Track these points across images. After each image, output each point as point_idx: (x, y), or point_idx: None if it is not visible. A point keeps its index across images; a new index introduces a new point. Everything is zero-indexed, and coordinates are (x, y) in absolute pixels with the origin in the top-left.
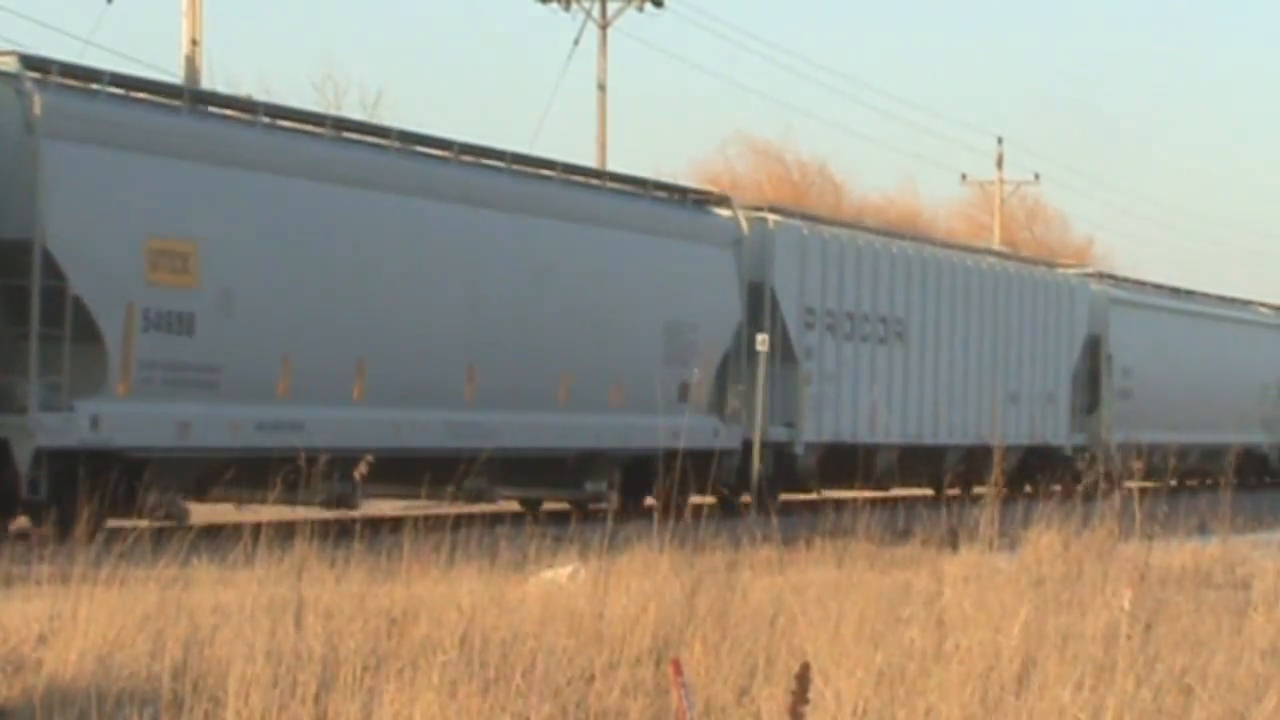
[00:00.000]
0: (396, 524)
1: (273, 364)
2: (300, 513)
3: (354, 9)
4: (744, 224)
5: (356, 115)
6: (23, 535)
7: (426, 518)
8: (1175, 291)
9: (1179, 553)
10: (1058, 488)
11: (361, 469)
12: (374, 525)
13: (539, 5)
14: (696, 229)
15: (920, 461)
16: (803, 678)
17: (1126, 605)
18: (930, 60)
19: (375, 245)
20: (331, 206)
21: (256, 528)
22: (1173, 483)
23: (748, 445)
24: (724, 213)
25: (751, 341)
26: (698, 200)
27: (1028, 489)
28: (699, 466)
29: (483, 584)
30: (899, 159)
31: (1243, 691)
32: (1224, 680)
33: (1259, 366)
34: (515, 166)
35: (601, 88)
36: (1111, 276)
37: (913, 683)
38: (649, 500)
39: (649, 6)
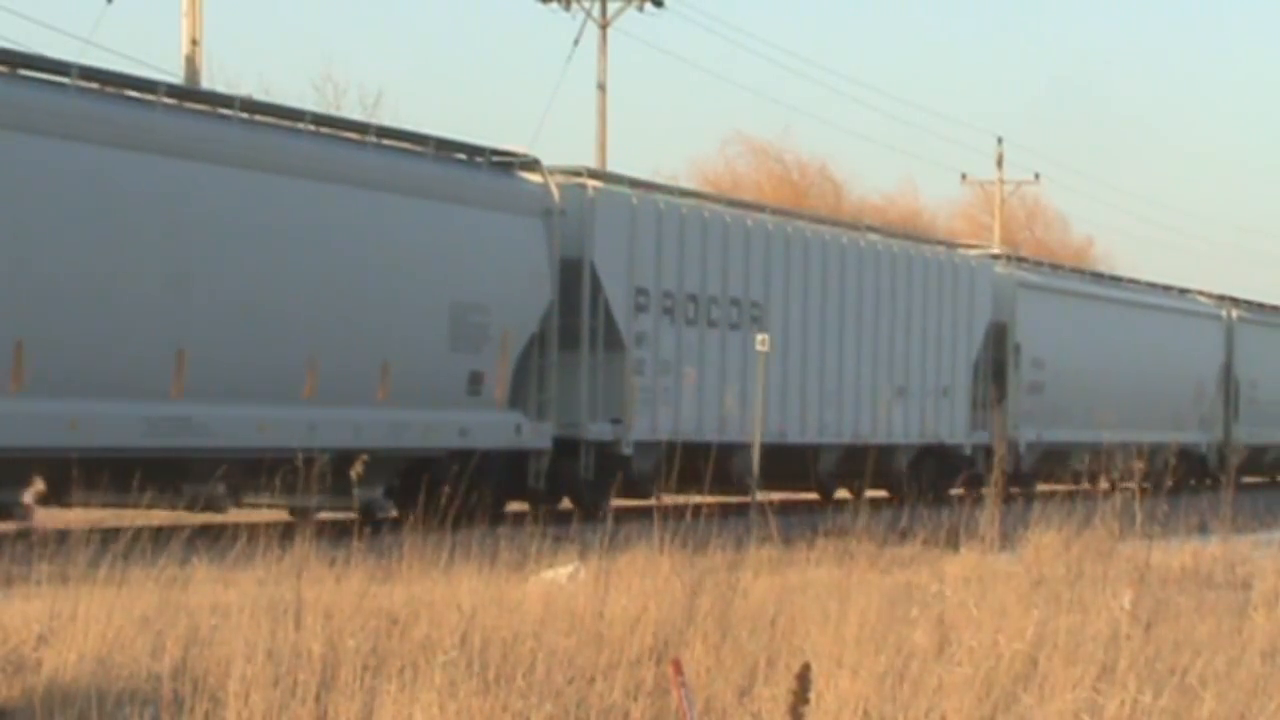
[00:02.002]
0: (396, 524)
1: None
2: None
3: (354, 9)
4: (555, 191)
5: (356, 115)
6: (23, 535)
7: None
8: (1098, 276)
9: (1179, 553)
10: (959, 491)
11: (32, 491)
12: (374, 525)
13: (539, 5)
14: (496, 195)
15: (788, 463)
16: (803, 678)
17: (1127, 605)
18: (930, 60)
19: (42, 202)
20: None
21: (256, 527)
22: (1098, 486)
23: (567, 444)
24: (532, 178)
25: (567, 326)
26: (500, 162)
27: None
28: (516, 469)
29: (483, 584)
30: (899, 159)
31: (1243, 691)
32: (1224, 680)
33: (1196, 360)
34: (246, 114)
35: (601, 88)
36: (1020, 258)
37: (914, 683)
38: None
39: (649, 6)
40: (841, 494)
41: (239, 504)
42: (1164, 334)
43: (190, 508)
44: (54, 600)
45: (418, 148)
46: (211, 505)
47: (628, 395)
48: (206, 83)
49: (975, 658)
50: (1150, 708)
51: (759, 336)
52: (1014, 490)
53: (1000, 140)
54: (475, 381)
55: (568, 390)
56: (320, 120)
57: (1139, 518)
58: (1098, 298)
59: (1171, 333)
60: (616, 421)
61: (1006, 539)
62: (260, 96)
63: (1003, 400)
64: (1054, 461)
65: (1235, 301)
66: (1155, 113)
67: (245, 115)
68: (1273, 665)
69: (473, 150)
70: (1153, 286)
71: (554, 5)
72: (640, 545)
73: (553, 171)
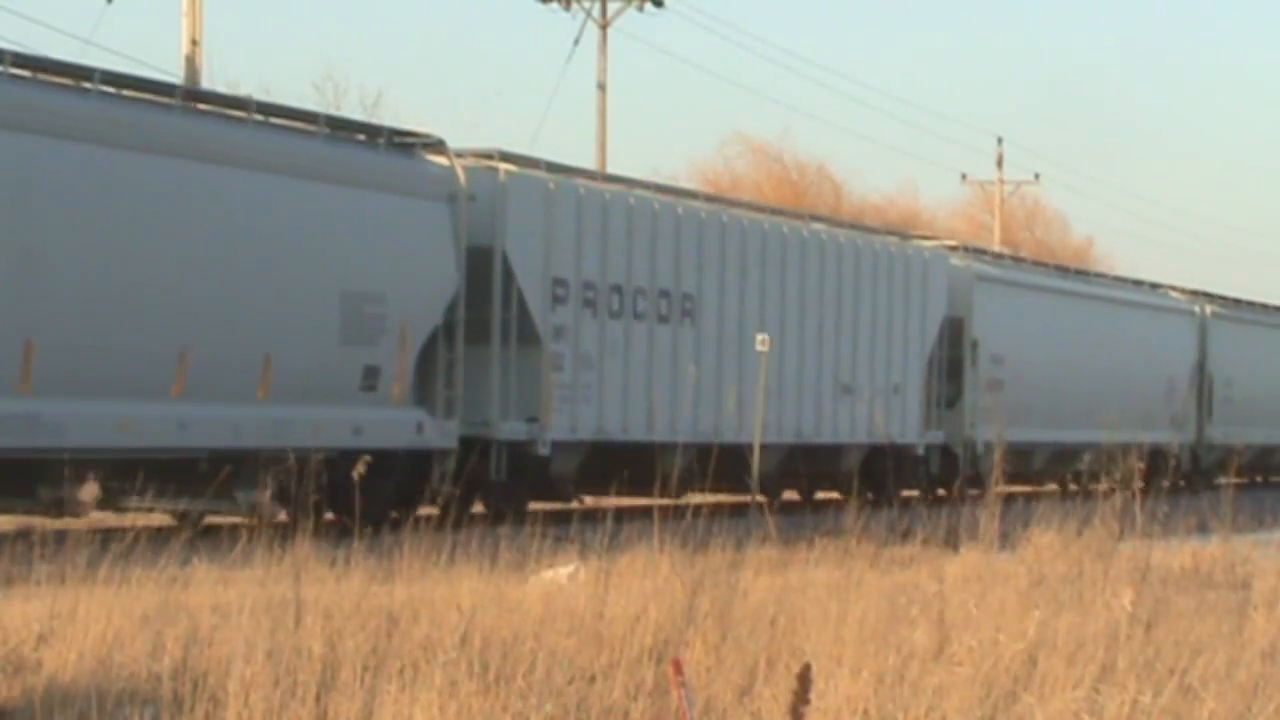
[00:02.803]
0: (396, 524)
1: None
2: None
3: (354, 9)
4: (461, 174)
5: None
6: (23, 534)
7: (427, 518)
8: (1062, 270)
9: (1179, 553)
10: (916, 493)
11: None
12: (374, 525)
13: (539, 5)
14: (394, 178)
15: (725, 463)
16: (803, 678)
17: (1127, 605)
18: (930, 60)
19: None
20: None
21: (256, 528)
22: (1070, 488)
23: (477, 443)
24: (437, 160)
25: (477, 319)
26: (401, 143)
27: (870, 496)
28: (423, 469)
29: (483, 584)
30: (899, 159)
31: (1243, 691)
32: (1224, 680)
33: (1168, 357)
34: (107, 88)
35: (601, 88)
36: (979, 250)
37: (914, 683)
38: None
39: (649, 6)
40: (790, 496)
41: (115, 508)
42: (1133, 330)
43: (48, 513)
44: (54, 600)
45: (306, 126)
46: (69, 510)
47: (544, 392)
48: (207, 83)
49: (975, 658)
50: (1150, 708)
51: (759, 337)
52: (973, 492)
53: (1000, 140)
54: (370, 376)
55: (477, 387)
56: (193, 96)
57: (1139, 518)
58: (1061, 292)
59: (1141, 329)
60: (532, 420)
61: (1006, 539)
62: (261, 96)
63: (959, 398)
64: (1015, 462)
65: (1209, 297)
66: (1155, 113)
67: (110, 90)
68: (1273, 665)
69: (370, 130)
70: (1122, 281)
71: (554, 5)
72: (640, 545)
73: (462, 154)
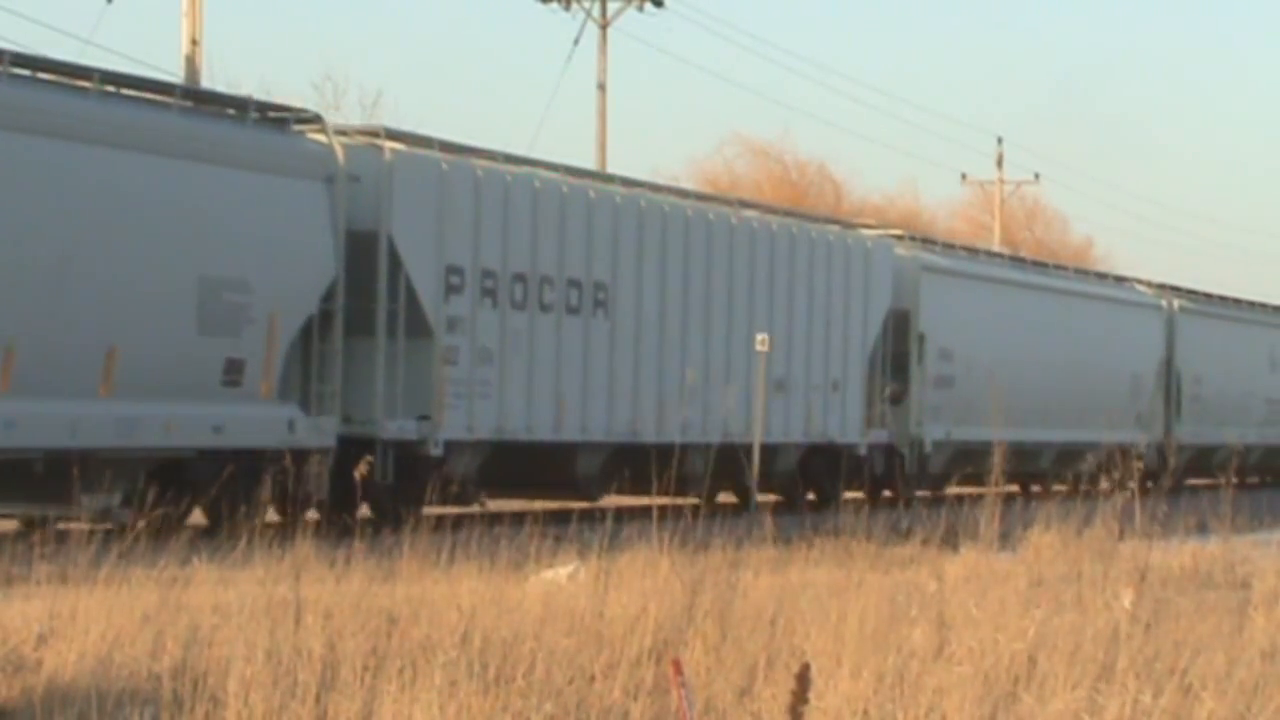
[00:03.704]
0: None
1: None
2: None
3: (354, 9)
4: (340, 152)
5: (356, 115)
6: (23, 534)
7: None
8: (1018, 261)
9: (1179, 553)
10: (859, 494)
11: None
12: (374, 525)
13: (539, 5)
14: (263, 155)
15: (644, 464)
16: (803, 678)
17: (1127, 605)
18: (930, 60)
19: None
20: None
21: (256, 528)
22: (1034, 489)
23: (359, 443)
24: (313, 136)
25: (361, 309)
26: (272, 118)
27: (811, 497)
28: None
29: (483, 584)
30: (899, 159)
31: (1243, 691)
32: (1224, 680)
33: (1132, 353)
34: None
35: (601, 88)
36: (926, 240)
37: (914, 683)
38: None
39: (649, 6)
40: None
41: None
42: (1096, 324)
43: None
44: (54, 600)
45: (160, 97)
46: None
47: (436, 388)
48: (207, 83)
49: (975, 658)
50: (1150, 708)
51: (759, 336)
52: (921, 494)
53: (1000, 140)
54: (233, 370)
55: (361, 382)
56: (23, 62)
57: (1139, 518)
58: (1017, 284)
59: (1104, 323)
60: (424, 418)
61: (1006, 539)
62: (261, 96)
63: (905, 395)
64: (967, 462)
65: (1177, 290)
66: (1155, 113)
67: None
68: (1273, 665)
69: (236, 103)
70: (1085, 273)
71: (554, 5)
72: (640, 545)
73: (345, 131)
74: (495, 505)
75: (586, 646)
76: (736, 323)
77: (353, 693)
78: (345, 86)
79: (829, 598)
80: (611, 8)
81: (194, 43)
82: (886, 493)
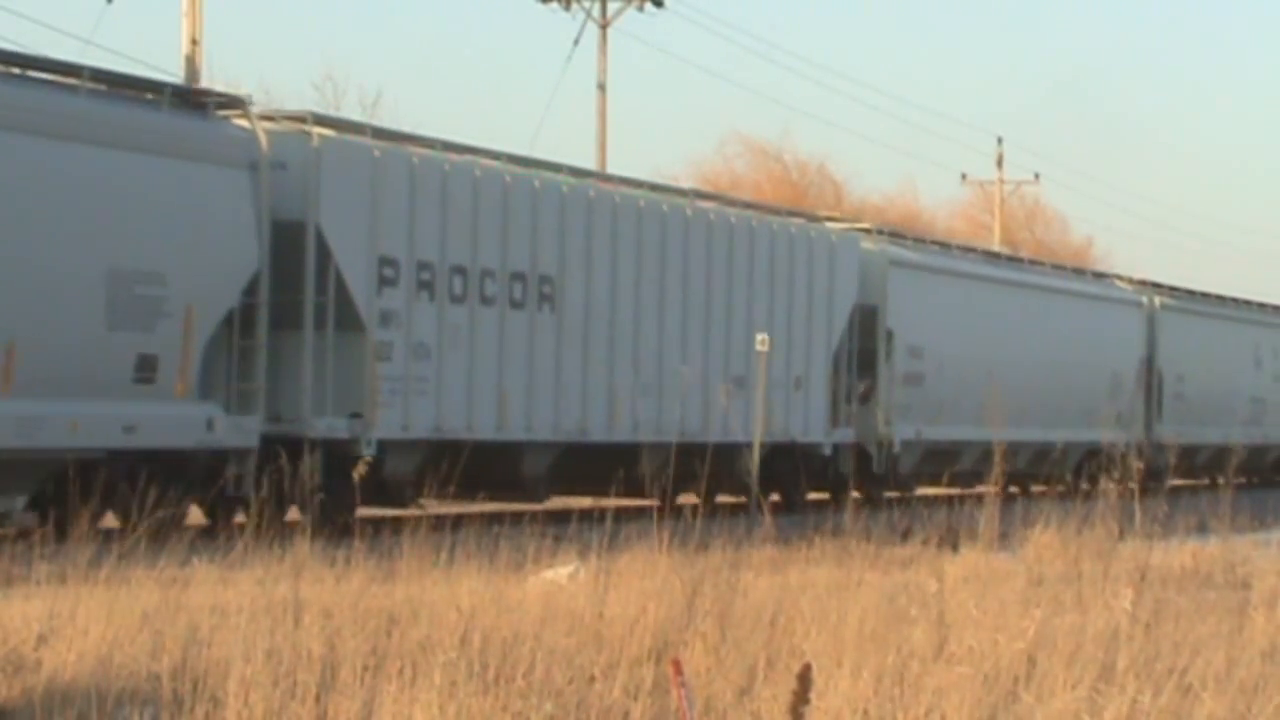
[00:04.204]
0: (396, 524)
1: None
2: None
3: (354, 9)
4: (263, 138)
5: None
6: (23, 534)
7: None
8: (992, 256)
9: (1179, 553)
10: (826, 495)
11: None
12: (374, 525)
13: (539, 5)
14: (178, 140)
15: (595, 464)
16: (803, 678)
17: (1127, 605)
18: (930, 60)
19: None
20: None
21: (256, 528)
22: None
23: (285, 442)
24: (235, 122)
25: (288, 302)
26: (190, 102)
27: (775, 497)
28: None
29: (483, 584)
30: (899, 159)
31: (1243, 691)
32: (1224, 680)
33: (1112, 351)
34: None
35: (601, 88)
36: (895, 234)
37: (914, 683)
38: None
39: (649, 6)
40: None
41: None
42: (1073, 321)
43: None
44: (54, 600)
45: (66, 79)
46: None
47: (369, 385)
48: (207, 83)
49: (975, 658)
50: (1150, 708)
51: (759, 336)
52: (890, 494)
53: (1000, 140)
54: (145, 367)
55: (287, 379)
56: None
57: (1139, 517)
58: (990, 279)
59: (1083, 320)
60: (355, 416)
61: (1005, 539)
62: (260, 97)
63: (873, 393)
64: (939, 462)
65: (1159, 287)
66: (1155, 113)
67: None
68: (1273, 665)
69: (150, 86)
70: (1062, 269)
71: (554, 5)
72: (640, 545)
73: (271, 117)
74: (436, 508)
75: (586, 646)
76: (692, 318)
77: (353, 693)
78: (345, 86)
79: (829, 598)
80: (611, 8)
81: (194, 43)
82: (855, 494)
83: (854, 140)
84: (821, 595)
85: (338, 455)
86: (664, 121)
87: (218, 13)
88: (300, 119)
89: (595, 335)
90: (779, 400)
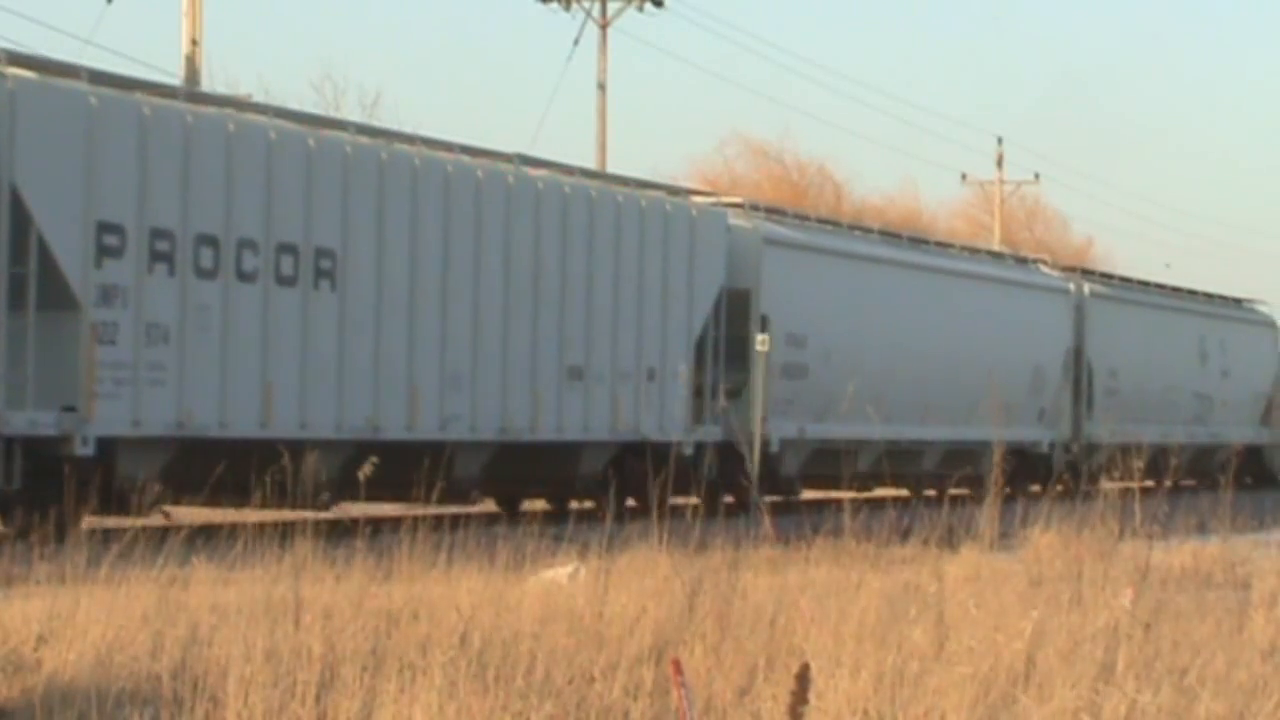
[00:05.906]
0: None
1: None
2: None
3: (354, 9)
4: None
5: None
6: (24, 535)
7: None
8: (890, 237)
9: (1179, 553)
10: (684, 501)
11: None
12: (375, 525)
13: (539, 5)
14: None
15: (402, 465)
16: (803, 678)
17: (1127, 605)
18: (930, 60)
19: None
20: None
21: (256, 527)
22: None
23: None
24: None
25: None
26: None
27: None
28: None
29: (482, 584)
30: (899, 159)
31: (1243, 691)
32: (1224, 680)
33: (1034, 342)
34: None
35: (601, 88)
36: (773, 210)
37: (914, 683)
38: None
39: (649, 6)
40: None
41: None
42: (988, 309)
43: None
44: (54, 600)
45: None
46: None
47: (84, 373)
48: (206, 83)
49: (974, 658)
50: (1150, 708)
51: (759, 337)
52: (772, 499)
53: (1000, 140)
54: None
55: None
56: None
57: (1139, 517)
58: (888, 261)
59: (999, 308)
60: (68, 410)
61: (1005, 539)
62: (260, 97)
63: (744, 387)
64: (831, 464)
65: (1088, 274)
66: (1155, 112)
67: None
68: (1273, 665)
69: None
70: (976, 252)
71: (554, 5)
72: (640, 545)
73: None
74: (185, 515)
75: (586, 646)
76: (516, 300)
77: (352, 692)
78: (345, 86)
79: (829, 598)
80: (611, 8)
81: (194, 43)
82: (729, 499)
83: (854, 140)
84: (822, 595)
85: (47, 455)
86: (664, 121)
87: (218, 13)
88: None
89: (390, 318)
90: (627, 394)
